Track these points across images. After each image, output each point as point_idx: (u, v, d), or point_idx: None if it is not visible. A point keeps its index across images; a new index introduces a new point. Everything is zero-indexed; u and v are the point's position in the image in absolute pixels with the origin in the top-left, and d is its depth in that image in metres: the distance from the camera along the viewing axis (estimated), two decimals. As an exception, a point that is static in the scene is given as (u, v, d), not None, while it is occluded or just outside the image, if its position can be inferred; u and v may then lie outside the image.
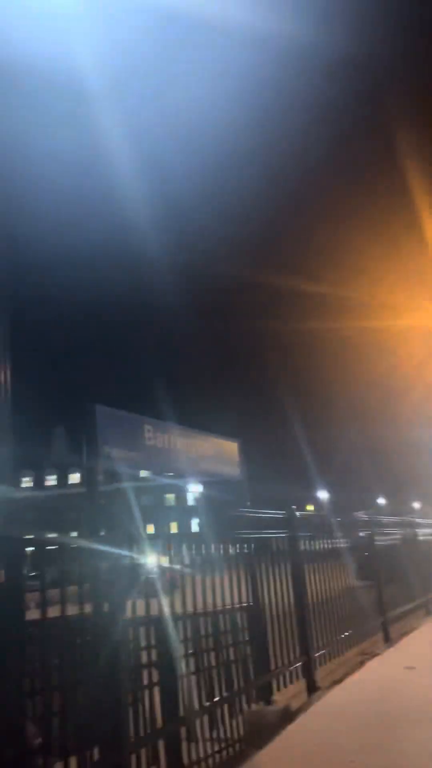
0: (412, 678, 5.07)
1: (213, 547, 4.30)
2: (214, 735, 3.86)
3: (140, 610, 3.34)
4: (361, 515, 10.37)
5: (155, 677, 3.45)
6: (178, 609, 3.69)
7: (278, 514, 5.42)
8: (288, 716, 4.15)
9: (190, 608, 3.85)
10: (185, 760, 3.52)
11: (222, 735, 3.92)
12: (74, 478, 46.47)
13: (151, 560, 3.43)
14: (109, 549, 3.01)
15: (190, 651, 3.83)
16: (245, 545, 4.66)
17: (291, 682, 4.74)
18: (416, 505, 50.52)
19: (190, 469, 21.23)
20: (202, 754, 3.69)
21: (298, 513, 5.62)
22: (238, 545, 4.61)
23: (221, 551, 4.41)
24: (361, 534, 7.75)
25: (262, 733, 3.88)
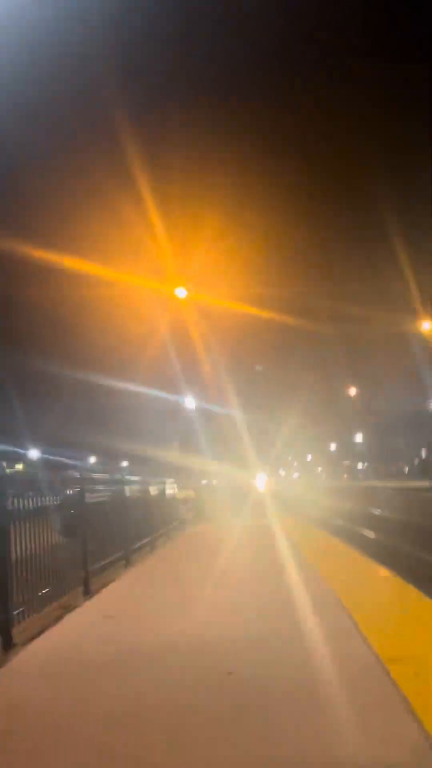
0: (110, 626, 5.29)
1: None
2: None
3: None
4: (71, 473, 10.43)
5: None
6: None
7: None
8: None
9: None
10: None
11: None
12: None
13: None
14: None
15: None
16: None
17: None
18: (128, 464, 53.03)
19: None
20: None
21: (7, 470, 5.36)
22: None
23: None
24: (69, 491, 7.77)
25: None
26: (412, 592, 5.65)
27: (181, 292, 24.61)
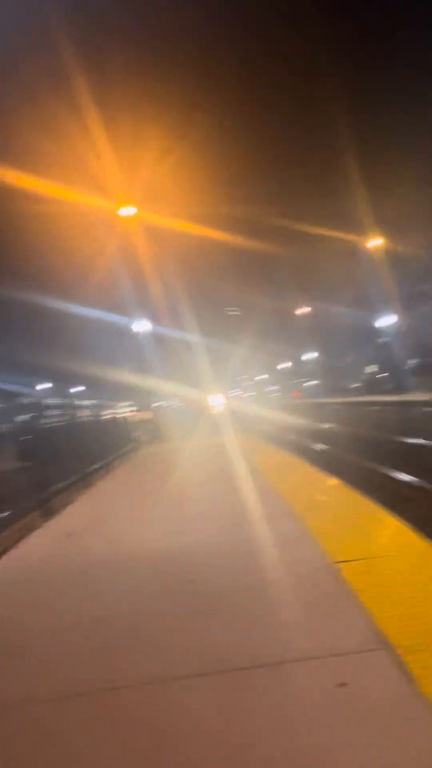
0: (72, 542, 5.43)
1: None
2: None
3: None
4: (25, 399, 10.34)
5: None
6: None
7: None
8: None
9: None
10: None
11: None
12: None
13: None
14: None
15: None
16: None
17: None
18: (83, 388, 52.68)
19: None
20: None
21: None
22: None
23: None
24: (24, 417, 7.73)
25: None
26: (361, 500, 5.95)
27: (127, 211, 23.74)
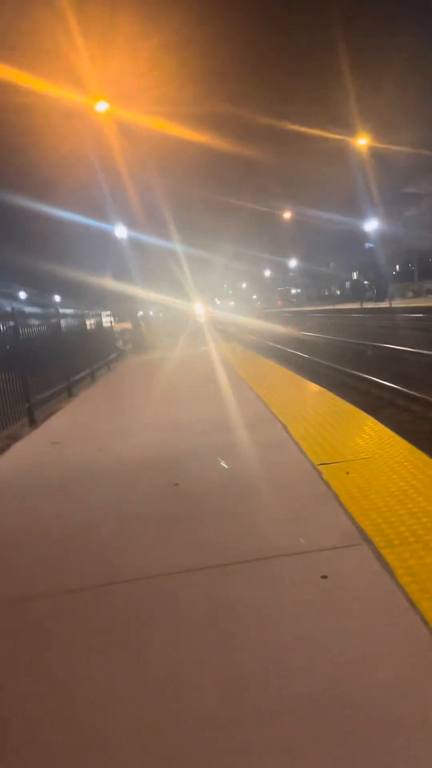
0: (58, 451, 5.51)
1: None
2: None
3: None
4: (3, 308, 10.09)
5: None
6: None
7: None
8: None
9: None
10: None
11: None
12: None
13: None
14: None
15: None
16: None
17: None
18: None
19: None
20: None
21: None
22: None
23: None
24: (2, 327, 7.57)
25: None
26: (343, 405, 6.07)
27: (101, 106, 22.26)
